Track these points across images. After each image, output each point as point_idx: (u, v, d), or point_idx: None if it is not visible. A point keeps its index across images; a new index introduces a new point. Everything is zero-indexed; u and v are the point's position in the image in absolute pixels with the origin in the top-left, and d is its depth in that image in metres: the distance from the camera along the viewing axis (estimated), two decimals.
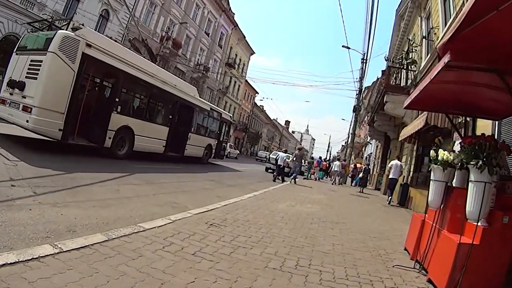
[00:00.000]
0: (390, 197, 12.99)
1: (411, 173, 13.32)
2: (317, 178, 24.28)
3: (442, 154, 4.50)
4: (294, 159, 16.76)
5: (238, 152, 45.67)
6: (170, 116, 14.84)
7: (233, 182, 12.42)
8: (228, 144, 41.67)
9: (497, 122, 6.97)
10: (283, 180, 16.34)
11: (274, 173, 17.48)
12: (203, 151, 17.97)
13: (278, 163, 17.57)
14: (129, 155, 11.90)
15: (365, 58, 26.30)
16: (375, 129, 23.08)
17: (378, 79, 35.06)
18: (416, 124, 10.92)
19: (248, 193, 9.17)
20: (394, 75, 16.36)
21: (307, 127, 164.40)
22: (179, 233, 4.08)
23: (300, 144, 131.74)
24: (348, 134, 47.81)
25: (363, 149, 43.43)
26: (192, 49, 38.78)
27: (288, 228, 5.45)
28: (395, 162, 13.83)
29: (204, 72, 40.61)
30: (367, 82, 38.55)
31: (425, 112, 9.82)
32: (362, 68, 26.27)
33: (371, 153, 33.95)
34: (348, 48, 26.84)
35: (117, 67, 10.71)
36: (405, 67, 15.78)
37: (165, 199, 6.62)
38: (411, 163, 13.60)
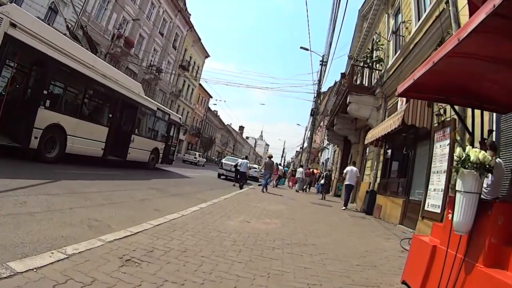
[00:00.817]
0: (347, 202, 12.94)
1: (378, 179, 12.14)
2: (276, 185, 22.93)
3: (476, 152, 2.97)
4: (263, 167, 16.53)
5: (205, 160, 43.70)
6: (110, 115, 12.76)
7: (178, 191, 10.51)
8: (197, 153, 40.46)
9: (495, 116, 5.88)
10: (241, 187, 15.50)
11: (236, 180, 17.03)
12: (149, 155, 15.89)
13: (241, 170, 16.81)
14: (61, 159, 10.24)
15: (324, 60, 25.35)
16: (335, 133, 22.09)
17: (336, 83, 34.59)
18: (387, 125, 9.67)
19: (194, 204, 7.37)
20: (358, 75, 15.29)
21: (261, 132, 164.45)
22: (66, 283, 2.25)
23: (254, 149, 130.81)
24: (304, 139, 47.23)
25: (319, 155, 42.85)
26: (145, 49, 36.41)
27: (242, 260, 3.71)
28: (350, 168, 13.54)
29: (157, 73, 38.48)
30: (324, 87, 38.00)
31: (401, 110, 8.59)
32: (321, 70, 25.31)
33: (328, 158, 33.23)
34: (307, 49, 25.73)
35: (47, 53, 8.99)
36: (370, 66, 14.75)
37: (84, 214, 4.69)
38: (377, 168, 12.44)
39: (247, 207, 8.25)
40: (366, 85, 14.78)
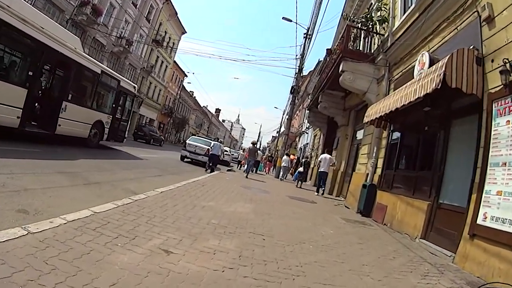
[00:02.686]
0: (322, 189, 13.12)
1: (379, 169, 9.20)
2: (255, 171, 20.33)
3: None
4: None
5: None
6: (30, 73, 9.16)
7: (105, 177, 7.18)
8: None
9: None
10: (212, 171, 14.70)
11: (209, 163, 15.48)
12: (89, 129, 12.33)
13: (212, 152, 15.66)
14: None
15: (308, 33, 22.15)
16: (317, 114, 19.21)
17: (319, 62, 31.56)
18: (405, 93, 6.63)
19: (109, 201, 4.51)
20: (354, 40, 12.16)
21: (238, 116, 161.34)
22: None
23: (230, 132, 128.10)
24: (281, 123, 44.26)
25: (297, 139, 40.02)
26: (115, 20, 32.35)
27: None
28: (324, 155, 13.72)
29: (127, 46, 34.49)
30: (307, 64, 34.92)
31: (441, 65, 5.54)
32: (305, 43, 22.10)
33: (307, 143, 30.40)
34: (290, 20, 22.52)
35: None
36: (370, 29, 11.68)
37: None
38: (377, 155, 9.49)
39: (190, 211, 5.00)
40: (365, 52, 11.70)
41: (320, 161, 13.51)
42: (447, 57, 5.45)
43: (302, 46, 22.32)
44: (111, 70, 13.98)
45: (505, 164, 4.59)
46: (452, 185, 5.97)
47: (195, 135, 22.75)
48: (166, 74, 51.08)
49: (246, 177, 15.14)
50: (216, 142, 16.98)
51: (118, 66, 34.84)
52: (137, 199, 5.00)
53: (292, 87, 21.33)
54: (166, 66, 50.17)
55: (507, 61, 4.94)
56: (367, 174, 9.60)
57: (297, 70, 21.64)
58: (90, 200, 4.74)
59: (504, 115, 4.83)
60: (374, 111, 8.47)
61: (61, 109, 10.51)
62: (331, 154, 15.91)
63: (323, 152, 19.02)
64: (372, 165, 9.45)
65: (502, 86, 4.92)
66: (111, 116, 13.86)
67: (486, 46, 5.61)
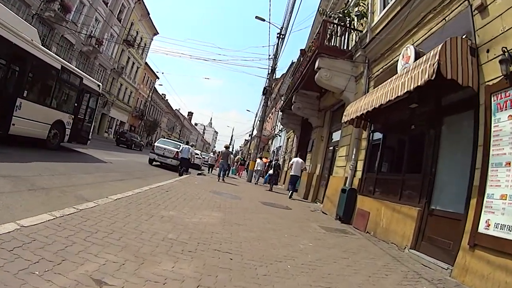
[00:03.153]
0: (291, 192, 12.95)
1: (359, 173, 8.57)
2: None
3: None
4: (214, 155, 16.96)
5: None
6: None
7: (54, 182, 6.05)
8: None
9: None
10: (180, 174, 14.36)
11: (181, 168, 15.23)
12: (47, 129, 11.06)
13: (182, 156, 15.52)
14: None
15: (281, 33, 21.58)
16: (291, 115, 18.64)
17: (292, 63, 31.13)
18: (390, 89, 6.02)
19: (47, 211, 3.67)
20: (330, 37, 11.61)
21: (211, 119, 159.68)
22: None
23: (202, 136, 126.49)
24: (253, 125, 43.53)
25: (270, 143, 39.43)
26: (85, 18, 30.67)
27: None
28: (295, 159, 13.80)
29: (96, 46, 33.07)
30: (280, 64, 34.34)
31: (434, 54, 4.93)
32: (278, 44, 21.48)
33: (280, 146, 29.83)
34: (263, 20, 21.89)
35: None
36: (348, 25, 11.14)
37: None
38: (357, 157, 8.87)
39: (144, 223, 4.07)
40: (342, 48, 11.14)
41: (292, 164, 13.61)
42: (440, 46, 4.85)
43: (275, 46, 21.75)
44: (73, 67, 12.73)
45: (510, 163, 4.01)
46: (446, 189, 5.36)
47: (164, 138, 21.49)
48: (138, 76, 49.46)
49: (219, 180, 15.02)
50: (186, 146, 16.42)
51: (87, 66, 33.43)
52: (82, 208, 4.07)
53: (265, 88, 20.63)
54: (138, 68, 48.59)
55: (506, 49, 4.40)
56: (346, 178, 8.96)
57: (269, 70, 20.99)
58: (29, 209, 3.86)
59: (505, 110, 4.26)
60: (354, 109, 7.85)
61: (15, 106, 9.28)
62: (305, 157, 15.38)
63: (296, 155, 18.48)
64: (352, 168, 8.82)
65: (502, 77, 4.36)
66: (72, 116, 12.62)
67: (480, 36, 5.06)
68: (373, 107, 6.68)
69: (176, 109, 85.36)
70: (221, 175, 15.67)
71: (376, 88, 7.26)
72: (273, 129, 38.36)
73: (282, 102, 21.59)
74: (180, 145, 18.03)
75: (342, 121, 8.58)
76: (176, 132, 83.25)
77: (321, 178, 12.90)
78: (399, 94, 5.51)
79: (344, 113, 8.36)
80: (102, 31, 34.24)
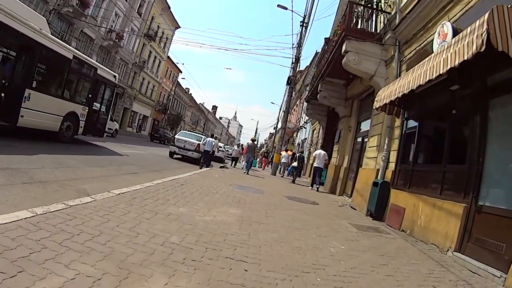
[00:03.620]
0: (318, 186, 13.24)
1: (392, 164, 7.86)
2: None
3: None
4: (238, 148, 16.76)
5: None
6: None
7: (59, 176, 5.69)
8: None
9: None
10: (205, 166, 14.57)
11: (203, 160, 15.19)
12: (60, 122, 10.91)
13: (206, 148, 15.34)
14: None
15: (305, 20, 20.76)
16: (316, 105, 17.95)
17: (316, 54, 30.16)
18: (428, 68, 5.29)
19: (49, 203, 3.09)
20: (357, 20, 10.86)
21: (235, 113, 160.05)
22: None
23: (227, 129, 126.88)
24: (278, 118, 42.80)
25: (295, 135, 38.66)
26: (104, 12, 30.87)
27: None
28: (318, 151, 13.99)
29: (117, 40, 33.22)
30: (304, 55, 33.40)
31: (482, 23, 4.20)
32: (301, 32, 20.70)
33: (305, 138, 29.07)
34: (285, 8, 21.22)
35: None
36: (375, 6, 10.36)
37: None
38: (389, 148, 8.15)
39: (144, 223, 3.55)
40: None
41: (314, 157, 13.98)
42: (487, 14, 4.10)
43: (299, 34, 21.00)
44: (86, 57, 12.51)
45: None
46: (497, 182, 4.62)
47: (187, 130, 21.15)
48: (160, 70, 49.55)
49: (247, 173, 15.32)
50: (210, 138, 16.19)
51: (108, 61, 33.64)
52: (74, 204, 3.63)
53: (289, 77, 19.93)
54: (160, 62, 48.66)
55: None
56: (378, 170, 8.25)
57: (293, 59, 20.24)
58: (16, 204, 3.51)
59: None
60: (387, 94, 7.12)
61: (23, 98, 9.09)
62: (332, 149, 14.71)
63: (322, 147, 17.82)
64: (384, 159, 8.11)
65: None
66: (87, 108, 12.44)
67: None
68: (409, 89, 5.95)
69: (200, 103, 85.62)
70: (248, 168, 15.88)
71: (411, 70, 6.51)
72: (298, 121, 37.54)
73: (307, 92, 20.82)
74: (202, 137, 17.70)
75: (374, 107, 7.85)
76: (200, 125, 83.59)
77: (349, 170, 12.19)
78: (441, 72, 4.77)
79: (376, 98, 7.64)
80: (122, 25, 34.34)
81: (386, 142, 8.20)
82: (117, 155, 12.03)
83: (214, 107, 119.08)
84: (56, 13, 24.76)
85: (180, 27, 49.38)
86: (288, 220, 5.63)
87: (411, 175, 7.00)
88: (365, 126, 11.65)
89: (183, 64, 50.21)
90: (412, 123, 7.67)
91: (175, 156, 17.06)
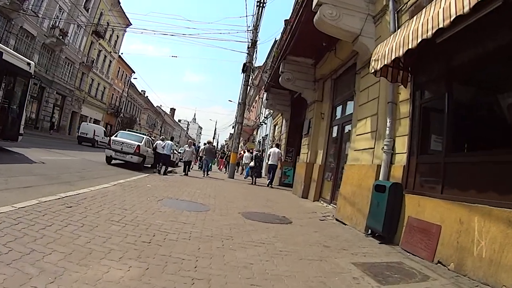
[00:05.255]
0: (270, 181, 13.54)
1: (406, 157, 5.14)
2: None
3: None
4: (189, 149, 15.15)
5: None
6: None
7: None
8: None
9: None
10: (165, 173, 13.18)
11: (159, 165, 13.87)
12: None
13: (165, 152, 13.75)
14: None
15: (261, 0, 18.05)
16: (277, 95, 15.42)
17: (275, 42, 27.58)
18: None
19: None
20: None
21: (194, 115, 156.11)
22: None
23: (186, 132, 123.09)
24: (236, 115, 39.82)
25: (255, 133, 35.97)
26: (46, 7, 26.84)
27: None
28: (273, 149, 14.08)
29: (61, 37, 29.02)
30: (258, 54, 30.61)
31: None
32: (258, 12, 17.93)
33: (266, 135, 26.40)
34: None
35: None
36: None
37: None
38: (394, 133, 5.46)
39: None
40: None
41: (269, 154, 14.03)
42: None
43: (255, 15, 18.19)
44: None
45: None
46: None
47: (123, 131, 17.65)
48: (111, 70, 44.87)
49: (204, 176, 14.92)
50: (169, 141, 14.65)
51: (52, 60, 29.84)
52: None
53: (244, 64, 17.06)
54: (110, 61, 43.99)
55: None
56: (378, 166, 5.54)
57: (249, 44, 17.43)
58: None
59: None
60: (390, 48, 4.45)
61: None
62: (300, 143, 12.07)
63: (287, 142, 15.28)
64: (387, 149, 5.41)
65: None
66: None
67: None
68: (432, 32, 3.34)
69: (157, 106, 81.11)
70: (205, 170, 15.47)
71: (420, 12, 3.94)
72: (257, 118, 34.88)
73: (266, 80, 18.11)
74: (143, 138, 14.47)
75: (370, 71, 5.11)
76: (157, 128, 79.04)
77: (325, 168, 9.51)
78: None
79: (373, 57, 4.93)
80: (67, 22, 30.23)
81: (388, 124, 5.50)
82: (26, 163, 8.80)
83: (172, 110, 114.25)
84: None
85: (131, 24, 44.75)
86: (246, 277, 2.75)
87: (444, 170, 4.31)
88: (343, 110, 9.06)
89: (121, 54, 45.06)
90: (431, 92, 5.05)
91: (113, 161, 13.58)
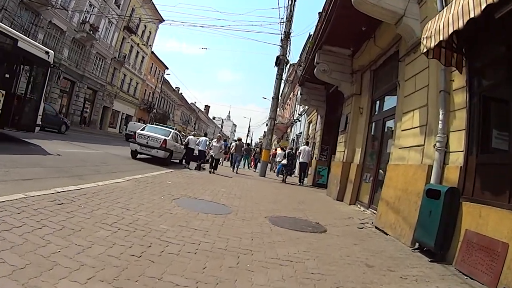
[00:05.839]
0: (303, 179, 14.11)
1: (462, 156, 4.27)
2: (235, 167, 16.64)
3: None
4: (217, 144, 14.07)
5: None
6: None
7: None
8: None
9: None
10: (199, 168, 13.06)
11: (199, 159, 13.69)
12: None
13: (200, 148, 13.62)
14: None
15: None
16: (312, 90, 14.69)
17: (309, 37, 26.64)
18: None
19: None
20: None
21: (229, 113, 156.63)
22: None
23: (220, 129, 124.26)
24: (270, 112, 39.12)
25: (288, 130, 35.14)
26: (76, 2, 27.23)
27: None
28: (303, 147, 14.43)
29: (91, 32, 29.28)
30: (291, 55, 29.58)
31: None
32: (291, 4, 17.12)
33: (300, 133, 25.54)
34: None
35: None
36: None
37: None
38: (448, 127, 4.58)
39: None
40: None
41: (300, 152, 14.22)
42: None
43: (288, 6, 17.37)
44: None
45: None
46: None
47: (151, 124, 17.32)
48: (144, 66, 45.32)
49: (236, 172, 15.40)
50: (204, 137, 14.57)
51: (83, 55, 30.23)
52: None
53: (277, 57, 16.31)
54: (143, 57, 44.45)
55: None
56: (429, 167, 4.68)
57: (282, 36, 16.66)
58: None
59: None
60: (443, 24, 3.64)
61: None
62: (336, 141, 11.25)
63: (321, 140, 14.47)
64: (439, 147, 4.55)
65: None
66: (3, 92, 8.87)
67: None
68: None
69: (191, 103, 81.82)
70: (236, 166, 15.95)
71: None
72: (291, 116, 34.00)
73: (300, 73, 17.28)
74: (170, 132, 14.09)
75: (421, 51, 4.28)
76: (191, 125, 79.78)
77: (363, 169, 8.64)
78: None
79: (424, 35, 4.12)
80: (98, 17, 30.60)
81: (441, 117, 4.62)
82: (38, 154, 8.52)
83: (207, 107, 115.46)
84: (19, 2, 21.25)
85: (164, 20, 45.20)
86: None
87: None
88: (384, 104, 8.17)
89: (150, 46, 44.97)
90: (492, 79, 4.17)
91: (139, 156, 13.30)
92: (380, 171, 7.48)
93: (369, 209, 7.53)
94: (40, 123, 10.97)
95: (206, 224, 4.18)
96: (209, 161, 13.95)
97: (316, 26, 11.42)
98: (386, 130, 7.66)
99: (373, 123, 8.70)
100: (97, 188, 5.00)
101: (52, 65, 11.03)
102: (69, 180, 5.68)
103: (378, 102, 8.77)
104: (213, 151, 13.65)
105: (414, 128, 5.46)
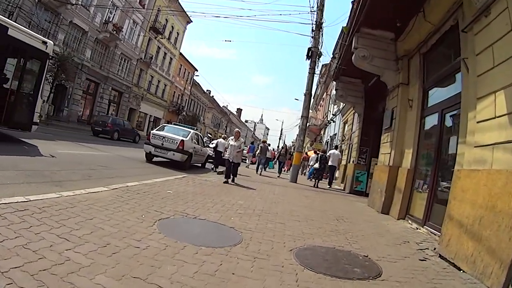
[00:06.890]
0: (333, 181, 14.88)
1: None
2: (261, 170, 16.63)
3: None
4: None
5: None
6: None
7: None
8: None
9: None
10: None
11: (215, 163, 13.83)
12: None
13: (218, 149, 13.48)
14: None
15: None
16: (348, 84, 13.20)
17: (342, 32, 24.89)
18: None
19: None
20: None
21: (261, 116, 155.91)
22: None
23: (253, 133, 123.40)
24: (302, 114, 37.49)
25: (322, 132, 33.33)
26: (98, 2, 27.01)
27: None
28: (332, 151, 14.93)
29: (115, 32, 28.96)
30: (325, 51, 27.80)
31: None
32: None
33: (334, 134, 23.78)
34: None
35: None
36: None
37: None
38: None
39: None
40: None
41: (328, 156, 14.25)
42: None
43: None
44: None
45: None
46: None
47: (170, 124, 16.28)
48: (172, 68, 44.93)
49: (260, 174, 15.87)
50: (221, 139, 14.19)
51: (107, 56, 30.03)
52: None
53: (309, 49, 14.76)
54: (171, 59, 44.03)
55: None
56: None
57: (313, 26, 15.11)
58: None
59: None
60: None
61: None
62: (376, 141, 9.63)
63: (360, 141, 12.87)
64: None
65: None
66: None
67: None
68: None
69: (223, 106, 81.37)
70: (260, 168, 16.39)
71: None
72: (325, 117, 32.20)
73: (335, 65, 15.66)
74: (189, 131, 12.76)
75: None
76: (222, 128, 79.22)
77: (415, 174, 6.95)
78: None
79: None
80: (122, 17, 30.28)
81: None
82: (23, 156, 7.40)
83: (239, 110, 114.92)
84: (37, 1, 21.05)
85: (191, 21, 44.56)
86: None
87: None
88: (442, 92, 6.49)
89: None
90: None
91: (155, 159, 12.10)
92: (439, 178, 5.82)
93: (424, 226, 5.87)
94: (38, 121, 9.97)
95: (187, 272, 2.61)
96: (225, 167, 10.13)
97: (352, 6, 9.82)
98: (445, 124, 5.99)
99: (427, 117, 7.00)
100: (56, 201, 3.73)
101: (51, 56, 9.98)
102: (40, 187, 4.63)
103: (431, 91, 7.08)
104: (229, 153, 10.07)
105: (499, 117, 3.78)
